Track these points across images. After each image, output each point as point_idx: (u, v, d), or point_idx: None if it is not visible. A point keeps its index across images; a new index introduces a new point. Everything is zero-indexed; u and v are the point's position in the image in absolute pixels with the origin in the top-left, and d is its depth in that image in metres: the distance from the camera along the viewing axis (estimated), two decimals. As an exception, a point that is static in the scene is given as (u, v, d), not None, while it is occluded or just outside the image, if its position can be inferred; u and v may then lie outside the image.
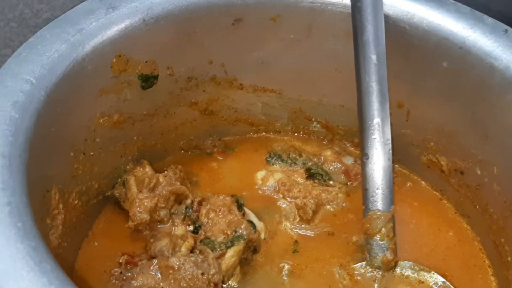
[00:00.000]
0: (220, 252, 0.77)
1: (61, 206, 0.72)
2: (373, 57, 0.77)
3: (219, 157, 0.93)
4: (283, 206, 0.87)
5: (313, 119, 0.94)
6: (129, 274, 0.75)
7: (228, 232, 0.78)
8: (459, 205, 0.87)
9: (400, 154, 0.89)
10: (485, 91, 0.76)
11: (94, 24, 0.73)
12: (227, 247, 0.77)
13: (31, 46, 0.69)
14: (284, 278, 0.79)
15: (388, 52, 0.78)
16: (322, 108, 0.93)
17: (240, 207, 0.83)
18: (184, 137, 0.91)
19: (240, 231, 0.78)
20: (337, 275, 0.79)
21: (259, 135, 0.97)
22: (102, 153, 0.80)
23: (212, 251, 0.76)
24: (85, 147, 0.76)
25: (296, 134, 0.97)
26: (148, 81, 0.81)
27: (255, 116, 0.94)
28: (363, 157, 0.80)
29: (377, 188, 0.79)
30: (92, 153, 0.78)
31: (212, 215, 0.80)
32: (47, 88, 0.66)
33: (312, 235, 0.84)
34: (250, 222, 0.82)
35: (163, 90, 0.83)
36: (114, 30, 0.74)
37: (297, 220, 0.86)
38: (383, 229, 0.78)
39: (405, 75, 0.82)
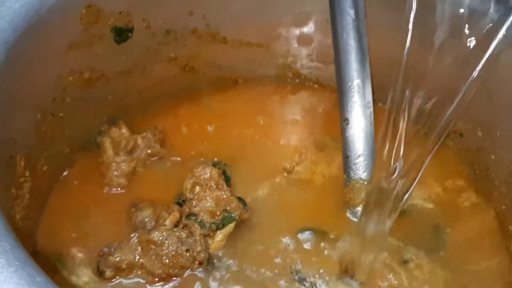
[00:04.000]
0: (209, 230, 0.71)
1: (27, 173, 0.66)
2: (350, 12, 0.72)
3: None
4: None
5: (302, 76, 0.89)
6: (106, 249, 0.70)
7: (218, 212, 0.72)
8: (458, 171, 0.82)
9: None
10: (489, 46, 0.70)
11: (60, -30, 0.66)
12: (218, 229, 0.72)
13: (-11, -5, 0.62)
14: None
15: (382, 4, 0.74)
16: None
17: (227, 180, 0.77)
18: (163, 96, 0.85)
19: (230, 211, 0.73)
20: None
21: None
22: (73, 114, 0.74)
23: (200, 227, 0.71)
24: (53, 107, 0.70)
25: (285, 92, 0.92)
26: (122, 34, 0.74)
27: (240, 73, 0.88)
28: (343, 122, 0.75)
29: (359, 156, 0.74)
30: (61, 114, 0.72)
31: (198, 189, 0.74)
32: (8, 43, 0.59)
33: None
34: (240, 199, 0.75)
35: (139, 45, 0.77)
36: (82, -23, 0.67)
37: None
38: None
39: (401, 27, 0.76)
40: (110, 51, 0.74)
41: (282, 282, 0.69)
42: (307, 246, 0.73)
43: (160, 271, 0.68)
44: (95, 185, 0.77)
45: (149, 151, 0.78)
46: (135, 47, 0.77)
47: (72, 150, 0.77)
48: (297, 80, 0.90)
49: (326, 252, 0.72)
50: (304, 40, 0.85)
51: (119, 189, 0.76)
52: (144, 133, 0.79)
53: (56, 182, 0.75)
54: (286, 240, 0.73)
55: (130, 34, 0.75)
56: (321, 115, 0.87)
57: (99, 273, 0.68)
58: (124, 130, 0.79)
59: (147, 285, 0.68)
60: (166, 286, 0.68)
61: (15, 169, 0.63)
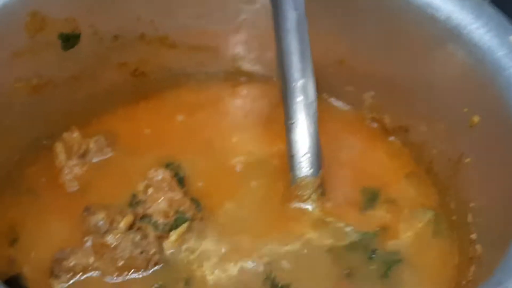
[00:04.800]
0: (163, 232, 0.72)
1: (-25, 182, 0.66)
2: (292, 15, 0.72)
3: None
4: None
5: (252, 77, 0.90)
6: (59, 254, 0.70)
7: (170, 214, 0.73)
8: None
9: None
10: (426, 42, 0.72)
11: (1, -23, 0.66)
12: (171, 230, 0.72)
13: None
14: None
15: (325, 6, 0.75)
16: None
17: (180, 181, 0.78)
18: (114, 100, 0.85)
19: (183, 211, 0.73)
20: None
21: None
22: (21, 121, 0.74)
23: (154, 229, 0.72)
24: (0, 116, 0.71)
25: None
26: (69, 41, 0.74)
27: (191, 76, 0.88)
28: (287, 121, 0.75)
29: (304, 154, 0.75)
30: (8, 122, 0.72)
31: (151, 191, 0.75)
32: (-49, 51, 0.60)
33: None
34: (193, 199, 0.76)
35: (87, 51, 0.77)
36: (25, -16, 0.67)
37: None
38: (313, 194, 0.75)
39: (344, 29, 0.78)
40: (57, 58, 0.74)
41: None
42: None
43: (116, 273, 0.69)
44: (47, 190, 0.77)
45: (101, 155, 0.79)
46: (83, 53, 0.77)
47: (22, 158, 0.77)
48: (245, 78, 0.91)
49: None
50: (251, 43, 0.87)
51: (71, 193, 0.77)
52: (97, 137, 0.79)
53: (7, 189, 0.75)
54: (241, 239, 0.74)
55: (77, 40, 0.75)
56: (273, 108, 0.87)
57: (54, 277, 0.69)
58: (76, 135, 0.79)
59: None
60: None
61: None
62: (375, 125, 0.85)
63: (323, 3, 0.75)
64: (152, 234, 0.71)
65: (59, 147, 0.78)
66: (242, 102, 0.90)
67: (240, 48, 0.87)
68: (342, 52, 0.81)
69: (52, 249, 0.70)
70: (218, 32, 0.84)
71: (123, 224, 0.72)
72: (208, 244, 0.73)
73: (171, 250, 0.72)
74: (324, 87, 0.82)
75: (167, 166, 0.79)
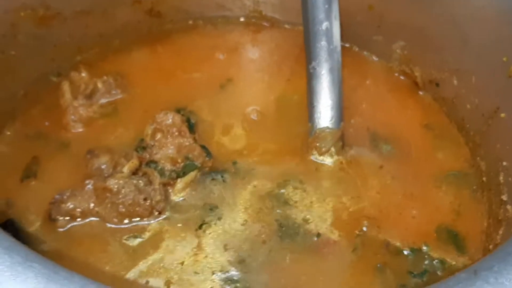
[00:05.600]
0: (170, 179, 0.68)
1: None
2: None
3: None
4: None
5: (273, 20, 0.86)
6: (58, 196, 0.66)
7: (179, 160, 0.69)
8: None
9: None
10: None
11: None
12: (178, 177, 0.68)
13: None
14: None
15: None
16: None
17: (191, 127, 0.73)
18: (126, 41, 0.81)
19: (192, 158, 0.69)
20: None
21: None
22: (27, 54, 0.71)
23: (160, 175, 0.67)
24: (3, 44, 0.67)
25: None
26: (78, -30, 0.71)
27: (209, 19, 0.84)
28: (308, 66, 0.70)
29: (326, 103, 0.70)
30: (13, 52, 0.69)
31: (159, 136, 0.71)
32: None
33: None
34: (203, 147, 0.72)
35: (98, -17, 0.74)
36: None
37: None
38: (332, 148, 0.70)
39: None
40: (66, -12, 0.71)
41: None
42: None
43: (116, 220, 0.65)
44: (51, 129, 0.74)
45: (109, 96, 0.75)
46: (95, -16, 0.73)
47: (28, 93, 0.73)
48: (267, 24, 0.86)
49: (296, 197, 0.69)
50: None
51: (75, 134, 0.73)
52: (105, 77, 0.76)
53: (9, 125, 0.72)
54: (252, 188, 0.70)
55: (87, -30, 0.72)
56: (296, 57, 0.83)
57: (52, 221, 0.65)
58: (84, 74, 0.76)
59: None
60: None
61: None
62: (404, 79, 0.80)
63: None
64: (157, 180, 0.67)
65: (65, 86, 0.75)
66: (263, 49, 0.85)
67: (262, -10, 0.82)
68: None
69: (50, 191, 0.67)
70: (240, -28, 0.80)
71: (127, 168, 0.68)
72: (217, 193, 0.69)
73: (178, 199, 0.68)
74: (351, 36, 0.77)
75: (178, 111, 0.74)
